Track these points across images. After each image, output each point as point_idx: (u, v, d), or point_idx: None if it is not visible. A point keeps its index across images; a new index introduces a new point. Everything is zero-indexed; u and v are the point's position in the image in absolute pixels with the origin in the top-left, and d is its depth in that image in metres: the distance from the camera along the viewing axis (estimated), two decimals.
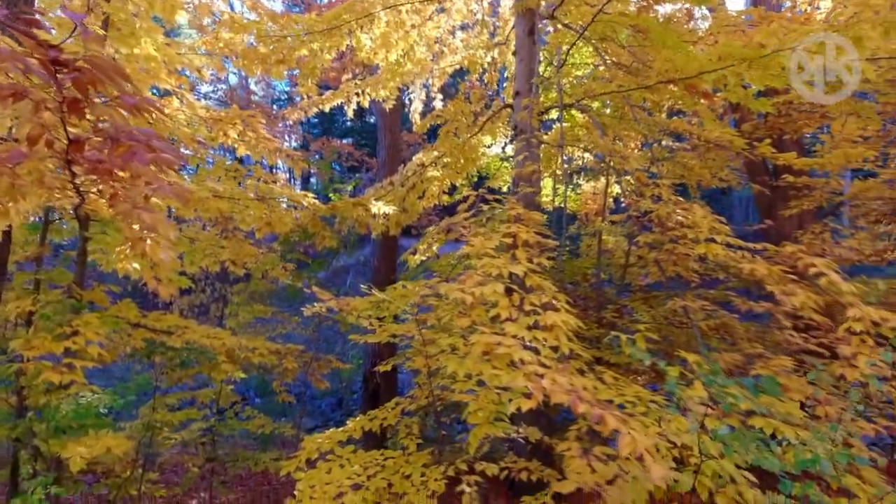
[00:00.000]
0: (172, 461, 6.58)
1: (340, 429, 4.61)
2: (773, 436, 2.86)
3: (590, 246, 8.97)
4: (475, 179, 8.72)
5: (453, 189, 6.86)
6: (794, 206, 6.46)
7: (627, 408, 3.18)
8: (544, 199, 8.63)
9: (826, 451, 2.33)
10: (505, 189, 8.87)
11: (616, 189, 8.81)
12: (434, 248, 5.94)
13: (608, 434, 2.16)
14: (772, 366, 4.14)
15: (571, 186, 10.13)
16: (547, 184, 9.02)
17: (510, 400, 2.67)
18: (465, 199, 5.57)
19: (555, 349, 3.03)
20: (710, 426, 2.93)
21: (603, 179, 8.61)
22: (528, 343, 2.90)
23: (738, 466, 2.93)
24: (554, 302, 3.17)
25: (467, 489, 3.68)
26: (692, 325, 5.12)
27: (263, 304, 6.39)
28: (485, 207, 5.26)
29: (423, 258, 6.04)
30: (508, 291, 3.28)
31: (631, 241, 7.55)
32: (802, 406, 3.68)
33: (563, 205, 6.74)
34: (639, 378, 5.95)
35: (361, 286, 4.45)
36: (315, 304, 4.16)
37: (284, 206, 5.32)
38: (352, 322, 4.71)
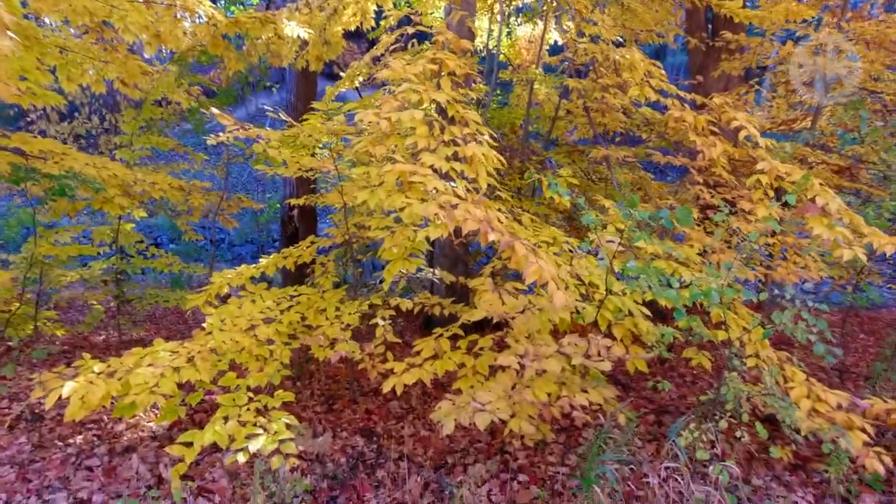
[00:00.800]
0: (74, 299, 6.26)
1: (253, 265, 4.45)
2: (672, 276, 3.01)
3: (520, 97, 8.68)
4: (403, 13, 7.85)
5: (379, 15, 6.11)
6: (726, 66, 6.40)
7: (543, 248, 3.20)
8: (478, 42, 8.01)
9: (716, 288, 2.48)
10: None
11: (553, 37, 8.30)
12: (356, 81, 5.40)
13: (517, 264, 2.13)
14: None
15: (507, 31, 9.47)
16: (481, 26, 8.32)
17: (424, 226, 2.56)
18: (392, 29, 4.96)
19: (473, 184, 2.91)
20: (617, 267, 3.03)
21: (540, 24, 8.04)
22: (445, 174, 2.73)
23: (636, 302, 3.10)
24: (477, 136, 2.97)
25: (381, 322, 3.74)
26: (612, 176, 5.19)
27: (163, 137, 5.71)
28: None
29: (343, 89, 5.52)
30: (431, 125, 3.02)
31: (562, 94, 7.34)
32: (701, 254, 3.93)
33: (495, 47, 6.25)
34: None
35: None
36: (221, 133, 3.71)
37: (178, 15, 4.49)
38: (266, 161, 4.30)
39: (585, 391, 2.40)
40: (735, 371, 2.70)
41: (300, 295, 4.11)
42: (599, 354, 2.39)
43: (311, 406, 4.19)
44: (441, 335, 3.33)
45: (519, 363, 2.31)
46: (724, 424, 2.69)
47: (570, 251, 3.51)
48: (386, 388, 3.00)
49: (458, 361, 3.14)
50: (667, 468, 2.75)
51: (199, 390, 3.20)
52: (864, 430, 3.12)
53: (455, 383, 3.08)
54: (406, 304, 3.82)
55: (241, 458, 2.56)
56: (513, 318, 2.61)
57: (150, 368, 2.96)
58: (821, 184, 3.21)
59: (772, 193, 3.73)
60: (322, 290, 4.34)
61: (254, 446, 2.60)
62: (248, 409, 2.93)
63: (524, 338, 2.55)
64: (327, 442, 3.45)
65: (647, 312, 3.12)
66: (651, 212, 2.31)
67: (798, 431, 2.81)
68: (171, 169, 6.25)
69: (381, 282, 3.88)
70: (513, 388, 2.43)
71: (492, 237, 2.12)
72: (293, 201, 5.96)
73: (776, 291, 2.52)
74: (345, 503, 2.90)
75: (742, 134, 3.71)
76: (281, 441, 2.66)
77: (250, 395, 3.12)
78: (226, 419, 2.83)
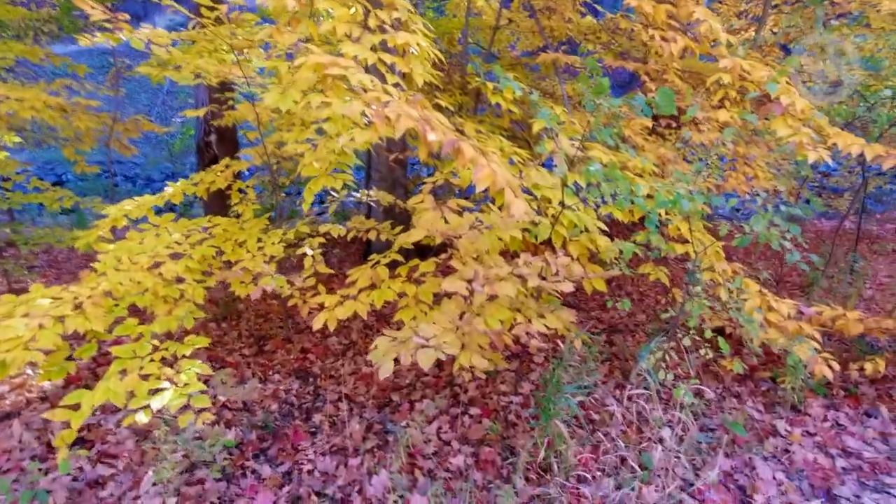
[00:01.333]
0: None
1: (157, 194, 3.82)
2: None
3: (458, 5, 7.96)
4: None
5: None
6: None
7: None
8: None
9: (685, 195, 2.20)
10: None
11: None
12: None
13: (464, 167, 1.73)
14: (632, 126, 4.02)
15: None
16: None
17: (352, 139, 2.10)
18: None
19: (408, 84, 2.43)
20: (571, 180, 2.70)
21: None
22: (373, 68, 2.24)
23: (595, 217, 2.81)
24: (409, 23, 2.45)
25: (309, 252, 3.30)
26: (561, 86, 4.78)
27: (27, 45, 4.71)
28: None
29: None
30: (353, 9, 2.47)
31: (504, 2, 6.71)
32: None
33: None
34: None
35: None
36: (98, 33, 2.97)
37: None
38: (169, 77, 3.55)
39: (542, 316, 2.12)
40: (699, 286, 2.50)
41: (215, 226, 3.57)
42: (557, 274, 2.09)
43: (238, 349, 3.77)
44: (378, 262, 2.94)
45: (467, 288, 1.98)
46: (688, 342, 2.52)
47: (520, 163, 3.14)
48: (316, 324, 2.62)
49: (399, 290, 2.78)
50: (630, 396, 2.58)
51: (92, 342, 2.70)
52: (813, 338, 3.08)
53: (396, 314, 2.74)
54: (338, 231, 3.38)
55: (143, 417, 2.15)
56: (458, 238, 2.24)
57: (24, 320, 2.43)
58: (787, 82, 2.95)
59: (734, 94, 3.46)
60: (243, 220, 3.81)
61: (157, 403, 2.19)
62: (153, 360, 2.48)
63: (472, 259, 2.21)
64: (254, 388, 3.07)
65: (604, 227, 2.85)
66: (624, 99, 1.94)
67: (756, 344, 2.69)
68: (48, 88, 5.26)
69: (300, 204, 3.39)
70: (461, 317, 2.11)
71: (432, 137, 1.70)
72: (207, 117, 5.20)
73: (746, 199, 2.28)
74: (276, 455, 2.57)
75: (703, 28, 3.36)
76: (192, 395, 2.25)
77: (156, 343, 2.65)
78: (123, 373, 2.37)
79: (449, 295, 2.50)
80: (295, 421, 2.87)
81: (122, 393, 2.26)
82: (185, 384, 2.32)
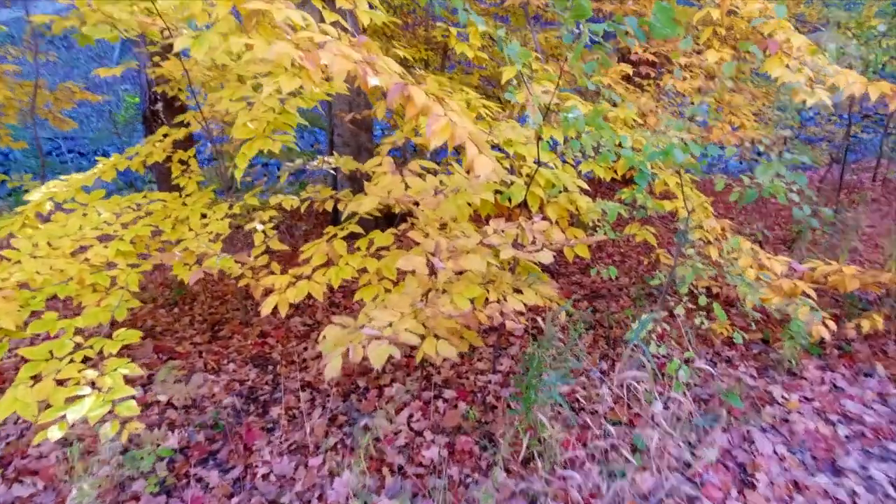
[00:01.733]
0: None
1: (86, 173, 3.40)
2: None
3: None
4: None
5: None
6: None
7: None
8: None
9: (678, 145, 1.91)
10: None
11: None
12: None
13: (414, 119, 1.40)
14: (611, 73, 3.69)
15: None
16: None
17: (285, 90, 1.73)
18: None
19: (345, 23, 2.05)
20: (546, 134, 2.39)
21: None
22: (306, 3, 1.86)
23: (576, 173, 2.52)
24: None
25: (259, 227, 2.95)
26: (532, 33, 4.40)
27: None
28: None
29: None
30: None
31: None
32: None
33: None
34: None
35: None
36: None
37: None
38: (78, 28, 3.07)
39: (519, 291, 1.84)
40: (692, 247, 2.24)
41: (152, 202, 3.18)
42: (535, 242, 1.80)
43: (189, 337, 3.44)
44: (335, 235, 2.61)
45: (429, 264, 1.68)
46: (681, 310, 2.27)
47: (490, 117, 2.81)
48: (264, 309, 2.30)
49: (359, 266, 2.47)
50: (618, 369, 2.34)
51: (3, 341, 2.34)
52: (808, 296, 2.88)
53: (357, 293, 2.44)
54: (290, 202, 3.03)
55: (56, 432, 1.83)
56: (416, 205, 1.93)
57: None
58: (788, 18, 2.64)
59: (722, 31, 3.14)
60: (185, 195, 3.42)
61: (74, 414, 1.86)
62: (73, 361, 2.14)
63: (435, 229, 1.90)
64: (202, 383, 2.76)
65: (585, 186, 2.56)
66: (609, 23, 1.60)
67: (749, 306, 2.47)
68: None
69: (272, 180, 3.03)
70: (425, 296, 1.81)
71: (374, 81, 1.36)
72: (150, 82, 4.71)
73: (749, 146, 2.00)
74: (227, 458, 2.29)
75: None
76: (117, 401, 1.93)
77: (80, 339, 2.31)
78: (36, 379, 2.03)
79: (413, 272, 2.20)
80: (249, 417, 2.58)
81: (32, 404, 1.93)
82: (110, 389, 1.99)
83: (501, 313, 1.71)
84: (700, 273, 2.28)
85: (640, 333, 2.04)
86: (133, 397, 1.95)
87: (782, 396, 2.66)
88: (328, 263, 2.56)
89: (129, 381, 2.90)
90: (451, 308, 1.63)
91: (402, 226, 2.30)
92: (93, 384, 2.02)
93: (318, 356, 3.22)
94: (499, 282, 1.85)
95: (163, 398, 2.60)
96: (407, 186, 2.27)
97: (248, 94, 2.48)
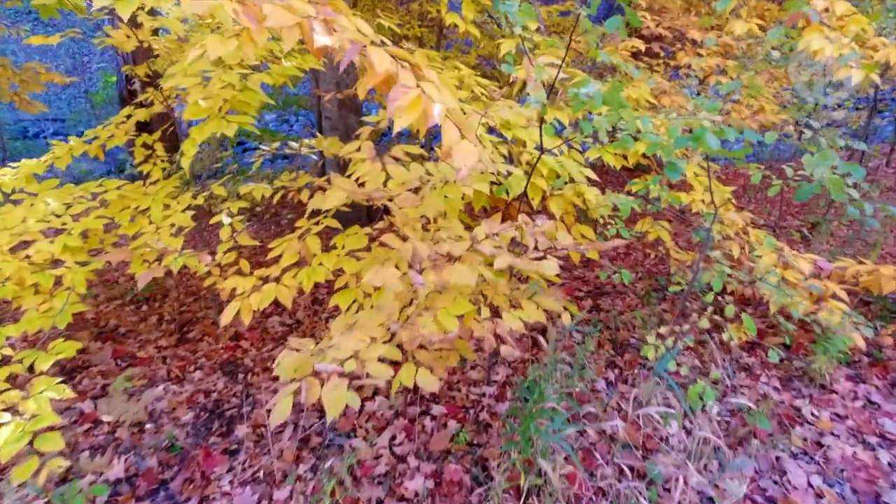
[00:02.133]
0: None
1: (39, 159, 3.07)
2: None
3: None
4: None
5: None
6: None
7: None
8: None
9: (711, 128, 1.58)
10: None
11: None
12: None
13: (380, 84, 1.07)
14: (621, 48, 3.34)
15: None
16: None
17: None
18: None
19: None
20: (551, 116, 2.06)
21: None
22: None
23: (578, 163, 2.20)
24: None
25: (226, 220, 2.62)
26: (534, 5, 4.02)
27: None
28: None
29: None
30: None
31: None
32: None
33: None
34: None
35: None
36: None
37: None
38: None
39: (517, 306, 1.53)
40: (716, 248, 1.93)
41: (108, 191, 2.85)
42: (537, 247, 1.48)
43: (154, 339, 3.13)
44: (308, 231, 2.29)
45: (405, 274, 1.36)
46: (705, 323, 1.97)
47: (485, 96, 2.47)
48: (224, 318, 1.99)
49: (334, 266, 2.15)
50: (627, 380, 2.04)
51: None
52: (841, 300, 2.58)
53: (332, 298, 2.12)
54: (261, 191, 2.70)
55: None
56: (390, 201, 1.60)
57: None
58: None
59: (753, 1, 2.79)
60: (149, 183, 3.09)
61: None
62: None
63: (417, 229, 1.58)
64: (155, 396, 2.46)
65: (593, 176, 2.23)
66: None
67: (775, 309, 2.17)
68: None
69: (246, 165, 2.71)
70: (403, 311, 1.50)
71: (322, 40, 1.03)
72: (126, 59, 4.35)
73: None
74: (180, 489, 1.99)
75: None
76: (37, 433, 1.63)
77: (8, 352, 2.01)
78: None
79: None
80: (211, 437, 2.28)
81: None
82: (34, 416, 1.69)
83: (496, 335, 1.40)
84: (730, 281, 1.97)
85: (667, 363, 1.74)
86: (57, 428, 1.65)
87: (812, 414, 2.37)
88: (301, 263, 2.25)
89: (80, 392, 2.61)
90: (434, 329, 1.33)
91: (381, 224, 1.98)
92: (14, 410, 1.72)
93: None
94: (492, 293, 1.54)
95: (107, 418, 2.30)
96: (388, 176, 1.94)
97: (206, 69, 2.13)
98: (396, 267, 1.40)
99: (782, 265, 2.62)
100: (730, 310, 1.99)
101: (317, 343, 1.41)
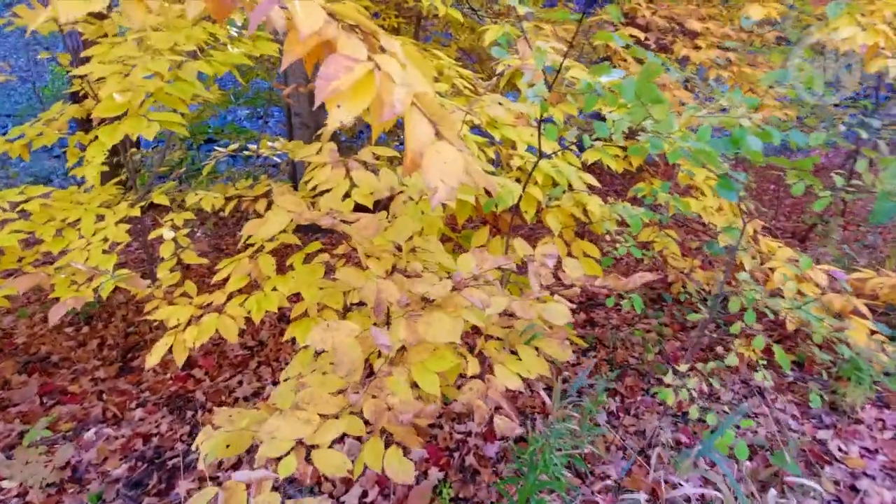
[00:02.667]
0: None
1: None
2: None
3: None
4: None
5: None
6: None
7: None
8: None
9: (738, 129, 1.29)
10: None
11: None
12: None
13: (310, 55, 0.73)
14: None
15: None
16: None
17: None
18: None
19: None
20: (558, 113, 1.75)
21: None
22: None
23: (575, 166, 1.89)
24: None
25: (168, 234, 2.25)
26: None
27: None
28: None
29: None
30: None
31: None
32: None
33: None
34: None
35: None
36: None
37: None
38: None
39: (514, 353, 1.20)
40: (743, 269, 1.64)
41: (30, 199, 2.45)
42: (544, 284, 1.16)
43: (91, 370, 2.73)
44: (261, 249, 1.94)
45: (365, 331, 1.02)
46: (734, 360, 1.67)
47: (470, 93, 2.14)
48: (150, 360, 1.63)
49: (290, 291, 1.81)
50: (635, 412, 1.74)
51: None
52: (862, 315, 2.33)
53: (288, 329, 1.78)
54: (211, 201, 2.33)
55: None
56: (349, 224, 1.25)
57: None
58: None
59: None
60: (84, 188, 2.70)
61: None
62: None
63: (381, 257, 1.24)
64: (65, 456, 2.06)
65: (594, 182, 1.92)
66: None
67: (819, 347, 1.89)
68: None
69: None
70: (370, 360, 1.17)
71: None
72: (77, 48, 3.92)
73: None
74: None
75: None
76: None
77: None
78: None
79: (353, 306, 1.57)
80: (146, 497, 1.91)
81: None
82: None
83: (485, 398, 1.08)
84: (761, 308, 1.68)
85: (713, 445, 1.43)
86: None
87: (840, 449, 2.11)
88: (253, 286, 1.90)
89: None
90: (408, 396, 1.00)
91: (342, 248, 1.64)
92: None
93: (257, 393, 2.57)
94: (481, 342, 1.21)
95: (8, 484, 1.90)
96: (352, 185, 1.60)
97: (132, 54, 1.76)
98: (351, 310, 1.07)
99: (796, 277, 2.35)
100: (759, 342, 1.70)
101: (244, 419, 1.06)
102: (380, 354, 1.19)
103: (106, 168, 2.85)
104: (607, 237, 1.81)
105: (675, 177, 2.11)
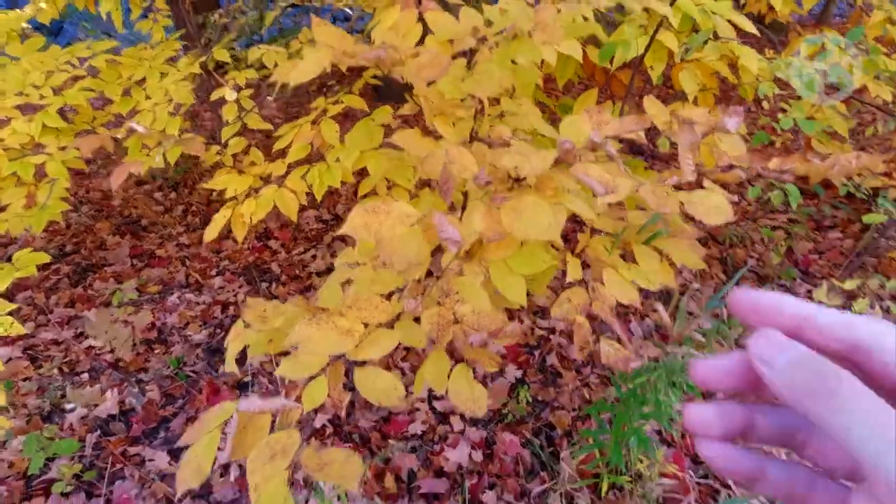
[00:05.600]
0: None
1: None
2: None
3: None
4: None
5: None
6: None
7: None
8: None
9: None
10: None
11: None
12: None
13: None
14: None
15: None
16: None
17: None
18: None
19: None
20: None
21: None
22: None
23: None
24: None
25: (230, 96, 2.05)
26: None
27: None
28: None
29: None
30: None
31: None
32: None
33: None
34: None
35: None
36: None
37: None
38: None
39: (624, 257, 0.88)
40: None
41: (95, 55, 2.31)
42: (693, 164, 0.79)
43: (177, 235, 2.75)
44: (324, 112, 1.69)
45: (423, 219, 0.74)
46: None
47: None
48: (207, 235, 1.51)
49: (355, 165, 1.57)
50: None
51: None
52: None
53: (356, 208, 1.57)
54: (273, 57, 2.07)
55: None
56: (405, 63, 0.91)
57: None
58: None
59: None
60: (148, 46, 2.53)
61: None
62: None
63: (453, 119, 0.92)
64: (171, 306, 2.08)
65: (750, 27, 1.41)
66: None
67: None
68: None
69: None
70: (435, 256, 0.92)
71: None
72: None
73: None
74: (182, 430, 1.67)
75: None
76: None
77: None
78: None
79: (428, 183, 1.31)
80: (222, 365, 1.93)
81: None
82: None
83: (589, 317, 0.80)
84: None
85: None
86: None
87: None
88: (314, 157, 1.68)
89: (88, 299, 2.30)
90: (479, 307, 0.75)
91: (407, 107, 1.34)
92: None
93: (329, 269, 2.49)
94: (584, 238, 0.90)
95: (97, 343, 1.96)
96: (426, 29, 1.25)
97: None
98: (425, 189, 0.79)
99: None
100: None
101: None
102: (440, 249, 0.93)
103: (170, 22, 2.64)
104: (763, 105, 1.35)
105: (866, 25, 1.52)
